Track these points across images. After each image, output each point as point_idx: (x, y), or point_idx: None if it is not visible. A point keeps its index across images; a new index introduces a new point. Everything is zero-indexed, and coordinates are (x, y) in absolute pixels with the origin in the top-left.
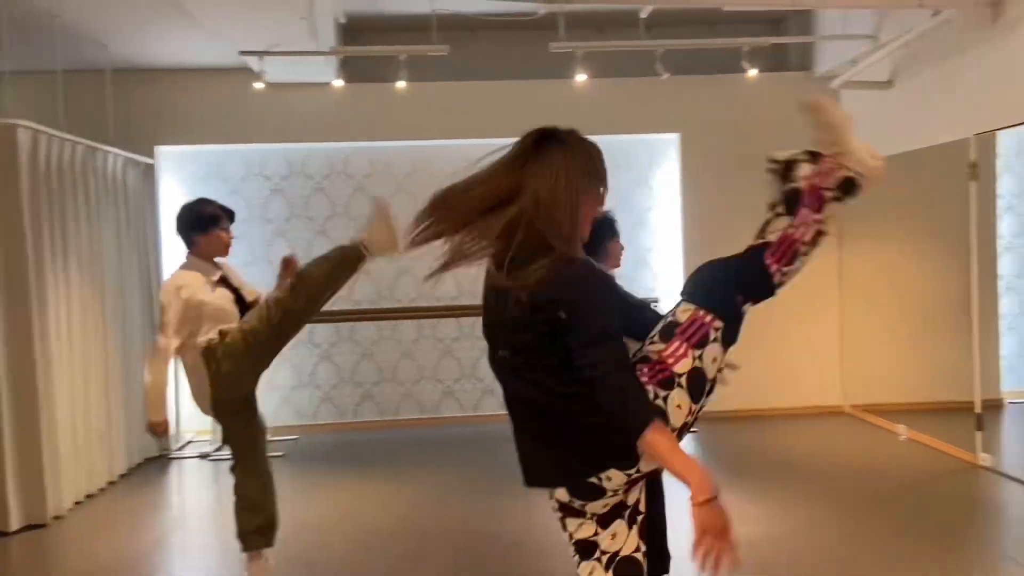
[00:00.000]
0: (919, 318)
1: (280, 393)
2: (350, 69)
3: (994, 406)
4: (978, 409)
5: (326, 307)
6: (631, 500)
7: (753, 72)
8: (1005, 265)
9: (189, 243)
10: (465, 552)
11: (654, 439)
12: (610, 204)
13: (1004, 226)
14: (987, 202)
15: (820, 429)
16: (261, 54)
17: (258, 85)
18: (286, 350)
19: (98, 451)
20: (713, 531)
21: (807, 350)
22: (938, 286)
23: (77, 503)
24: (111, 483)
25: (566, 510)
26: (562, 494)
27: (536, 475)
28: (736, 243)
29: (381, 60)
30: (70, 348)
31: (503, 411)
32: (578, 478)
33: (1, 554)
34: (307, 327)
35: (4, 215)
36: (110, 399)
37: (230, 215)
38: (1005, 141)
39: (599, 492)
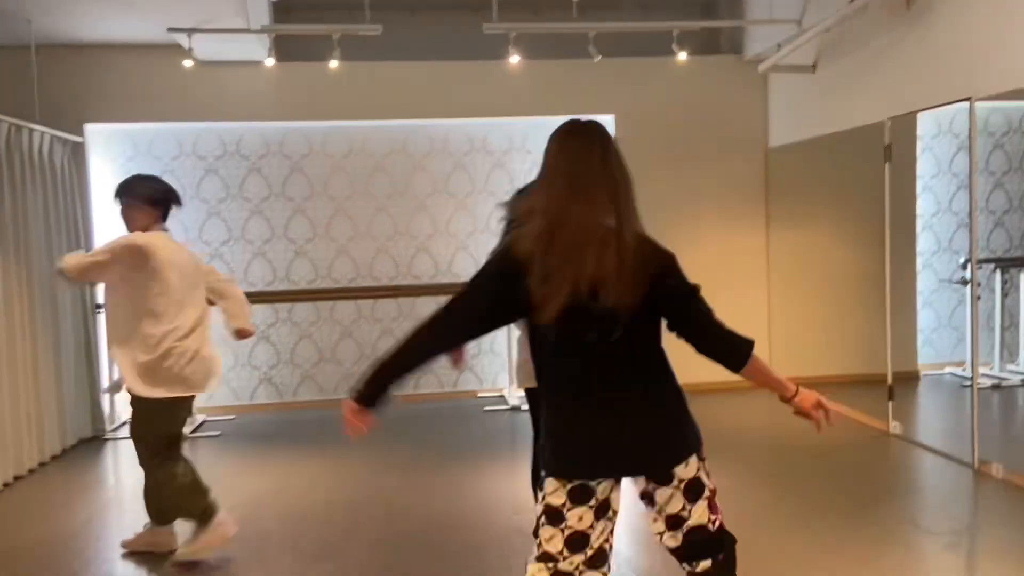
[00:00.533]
0: (840, 295)
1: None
2: (283, 48)
3: (911, 378)
4: (890, 381)
5: (265, 288)
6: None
7: (683, 56)
8: (923, 243)
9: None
10: (396, 527)
11: (757, 356)
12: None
13: (922, 205)
14: (906, 183)
15: (744, 403)
16: (190, 31)
17: (187, 63)
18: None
19: (26, 433)
20: (816, 400)
21: (736, 325)
22: (858, 264)
23: (6, 484)
24: (42, 464)
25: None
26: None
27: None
28: (666, 224)
29: (314, 39)
30: None
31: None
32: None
33: None
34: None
35: None
36: (39, 381)
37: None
38: (924, 123)
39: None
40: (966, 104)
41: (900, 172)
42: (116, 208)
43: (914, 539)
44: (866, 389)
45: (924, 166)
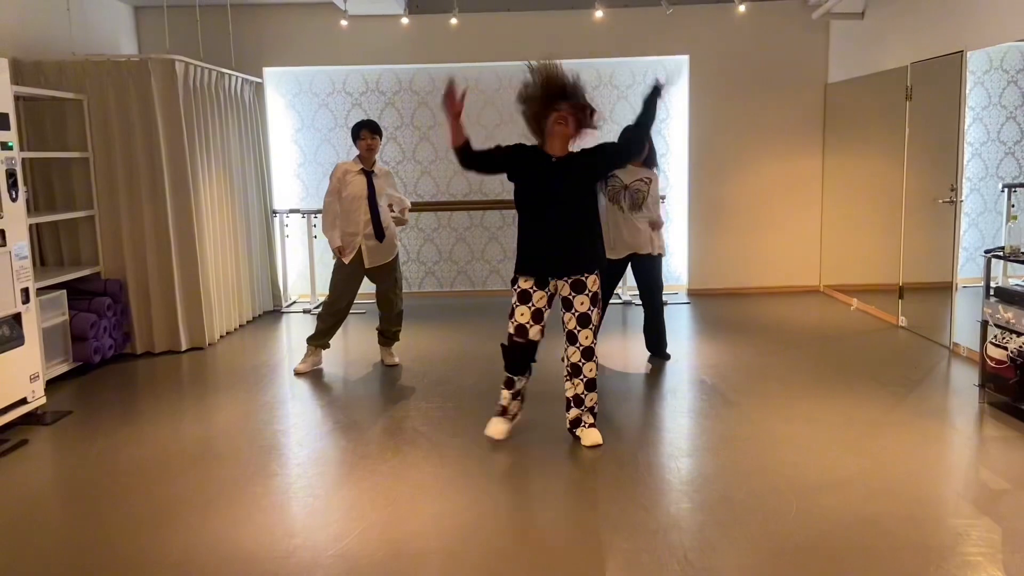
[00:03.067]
0: (873, 214)
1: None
2: (414, 3)
3: (948, 288)
4: (900, 283)
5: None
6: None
7: (743, 8)
8: (972, 169)
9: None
10: (486, 367)
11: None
12: (631, 117)
13: (972, 135)
14: (950, 116)
15: (794, 303)
16: None
17: (343, 23)
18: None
19: (234, 300)
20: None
21: (794, 240)
22: (886, 188)
23: (223, 336)
24: (242, 325)
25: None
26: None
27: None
28: (735, 151)
29: None
30: (212, 224)
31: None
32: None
33: (175, 365)
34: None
35: (168, 127)
36: (239, 263)
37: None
38: (977, 60)
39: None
40: (1014, 44)
41: (950, 103)
42: (376, 143)
43: (866, 386)
44: (889, 295)
45: (975, 98)
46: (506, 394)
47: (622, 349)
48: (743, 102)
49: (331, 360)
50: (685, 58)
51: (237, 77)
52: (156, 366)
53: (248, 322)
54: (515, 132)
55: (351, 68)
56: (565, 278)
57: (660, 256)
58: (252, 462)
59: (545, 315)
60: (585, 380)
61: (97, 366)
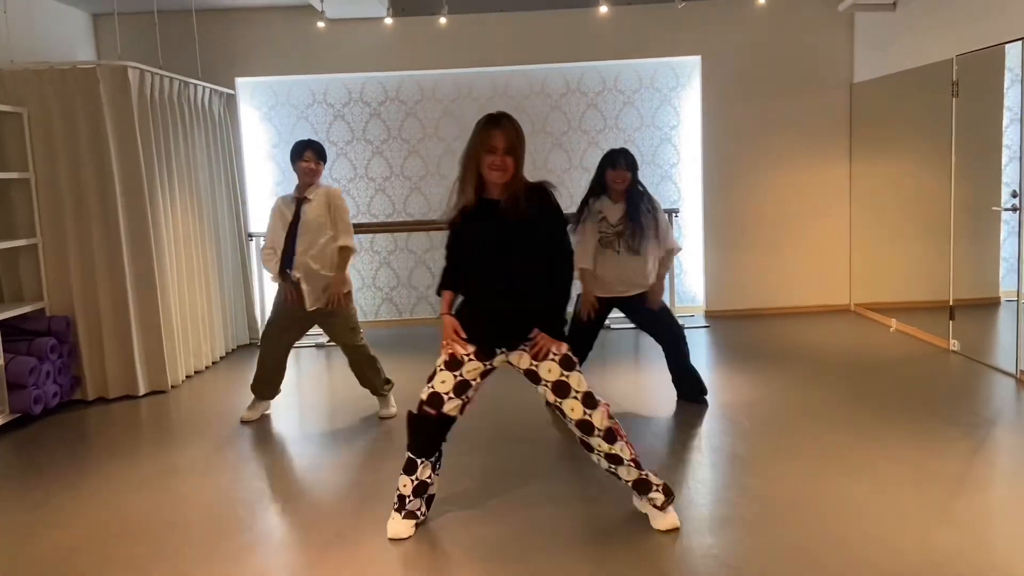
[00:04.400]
0: (914, 225)
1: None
2: (398, 5)
3: (991, 304)
4: (951, 302)
5: (386, 219)
6: None
7: (763, 0)
8: (1009, 174)
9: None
10: (495, 412)
11: None
12: (637, 124)
13: (1010, 137)
14: (993, 113)
15: (824, 324)
16: None
17: (320, 24)
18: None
19: (203, 336)
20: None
21: (820, 255)
22: (930, 196)
23: (188, 376)
24: (214, 362)
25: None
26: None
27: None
28: (752, 159)
29: None
30: (176, 251)
31: None
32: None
33: (131, 414)
34: (369, 237)
35: (121, 141)
36: (209, 293)
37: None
38: (1013, 55)
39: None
40: None
41: (987, 104)
42: (319, 167)
43: (933, 426)
44: (934, 313)
45: (1012, 97)
46: (406, 481)
47: (634, 383)
48: (760, 106)
49: (315, 397)
50: (696, 59)
51: (204, 88)
52: (109, 415)
53: (221, 358)
54: None
55: (332, 77)
56: (522, 344)
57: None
58: (206, 543)
59: (473, 390)
60: (605, 455)
61: (39, 417)
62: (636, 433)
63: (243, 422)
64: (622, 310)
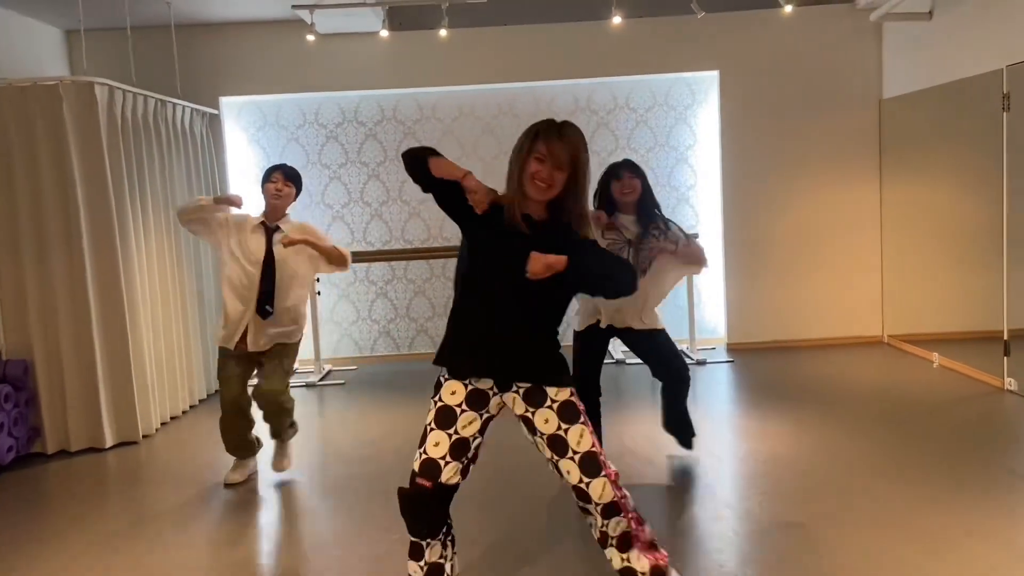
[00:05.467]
0: (957, 250)
1: (341, 327)
2: (395, 18)
3: None
4: (1005, 336)
5: (383, 247)
6: None
7: (789, 8)
8: None
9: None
10: (495, 464)
11: None
12: (651, 144)
13: None
14: None
15: (856, 358)
16: (312, 7)
17: (309, 37)
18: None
19: (179, 378)
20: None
21: (849, 282)
22: (977, 218)
23: (163, 424)
24: (192, 407)
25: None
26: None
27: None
28: (775, 180)
29: (425, 8)
30: (150, 286)
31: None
32: None
33: (98, 467)
34: (364, 266)
35: (87, 165)
36: (188, 330)
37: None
38: None
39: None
40: None
41: (1011, 122)
42: (288, 190)
43: (1008, 486)
44: (982, 345)
45: None
46: (415, 568)
47: (652, 427)
48: (782, 123)
49: (305, 445)
50: (714, 74)
51: (184, 107)
52: (71, 471)
53: (201, 401)
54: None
55: (324, 95)
56: (515, 386)
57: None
58: None
59: (472, 448)
60: (614, 542)
61: None
62: (652, 491)
63: (227, 486)
64: (622, 339)
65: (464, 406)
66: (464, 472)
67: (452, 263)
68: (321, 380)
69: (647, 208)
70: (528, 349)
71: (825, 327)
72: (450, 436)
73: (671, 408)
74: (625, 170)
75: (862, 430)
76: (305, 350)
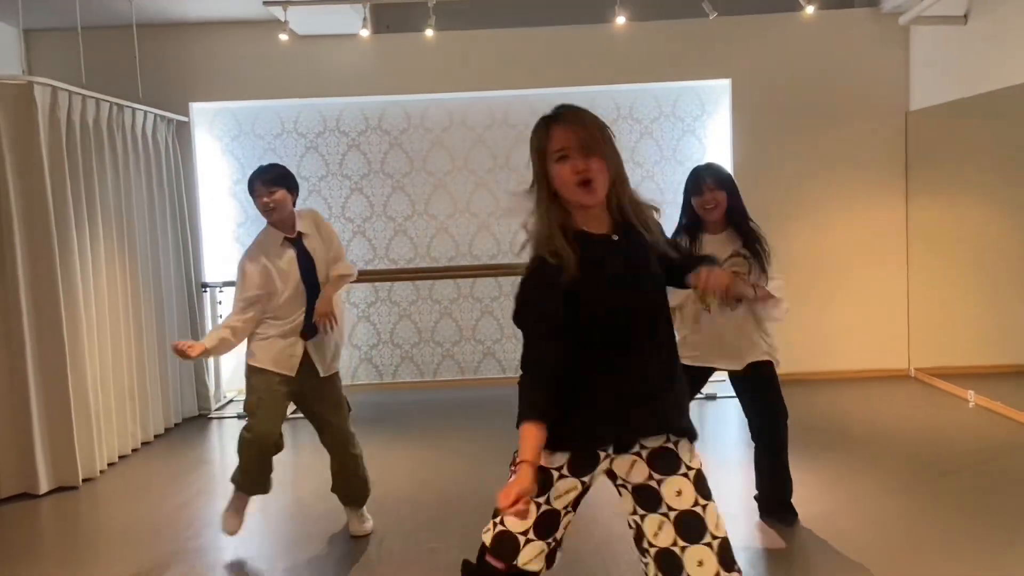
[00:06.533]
0: (994, 274)
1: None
2: (381, 20)
3: None
4: None
5: (365, 266)
6: None
7: (811, 9)
8: None
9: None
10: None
11: None
12: (656, 158)
13: None
14: None
15: (882, 394)
16: (285, 4)
17: (282, 37)
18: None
19: (130, 412)
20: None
21: (871, 310)
22: (1013, 241)
23: (110, 464)
24: (145, 443)
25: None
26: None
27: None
28: (791, 199)
29: (411, 8)
30: (99, 310)
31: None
32: None
33: (30, 516)
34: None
35: (24, 173)
36: (145, 359)
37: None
38: None
39: None
40: None
41: None
42: (268, 196)
43: None
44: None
45: None
46: None
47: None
48: (800, 137)
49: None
50: (726, 83)
51: (146, 113)
52: None
53: (157, 437)
54: (510, 177)
55: (304, 102)
56: (637, 446)
57: (773, 363)
58: None
59: (563, 527)
60: None
61: None
62: None
63: (229, 533)
64: (731, 380)
65: (565, 470)
66: (549, 560)
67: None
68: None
69: (739, 225)
70: (667, 395)
71: (846, 359)
72: (539, 507)
73: (771, 470)
74: (707, 179)
75: (897, 484)
76: None
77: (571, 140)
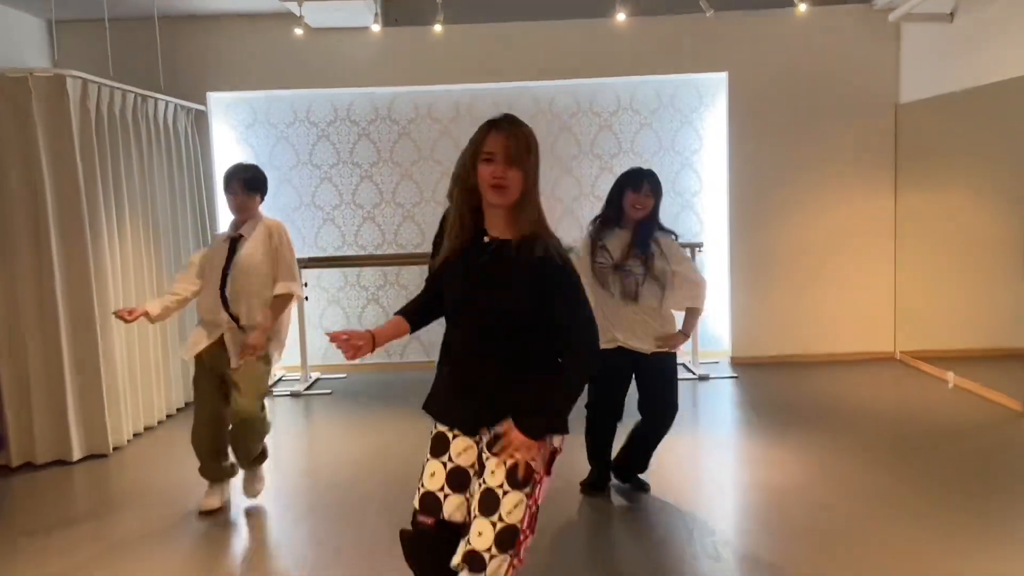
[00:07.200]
0: (978, 264)
1: None
2: (390, 13)
3: None
4: None
5: (374, 251)
6: None
7: (803, 7)
8: None
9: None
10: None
11: None
12: (655, 148)
13: None
14: None
15: (867, 376)
16: None
17: (298, 30)
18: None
19: (155, 387)
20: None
21: (861, 295)
22: (997, 231)
23: (136, 435)
24: (170, 416)
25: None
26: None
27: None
28: (785, 188)
29: (420, 3)
30: (125, 290)
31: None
32: None
33: (64, 482)
34: (355, 271)
35: (57, 162)
36: (167, 336)
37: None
38: None
39: None
40: None
41: None
42: (240, 196)
43: None
44: (1001, 364)
45: None
46: None
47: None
48: (794, 128)
49: (292, 463)
50: (723, 76)
51: (168, 103)
52: (35, 485)
53: (178, 410)
54: None
55: (316, 92)
56: (485, 428)
57: (673, 354)
58: None
59: (474, 479)
60: None
61: None
62: (642, 522)
63: (202, 513)
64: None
65: (457, 433)
66: (470, 510)
67: (423, 270)
68: (307, 389)
69: (646, 232)
70: (499, 395)
71: (835, 342)
72: (445, 465)
73: (641, 450)
74: (646, 184)
75: (876, 459)
76: (292, 357)
77: (500, 148)
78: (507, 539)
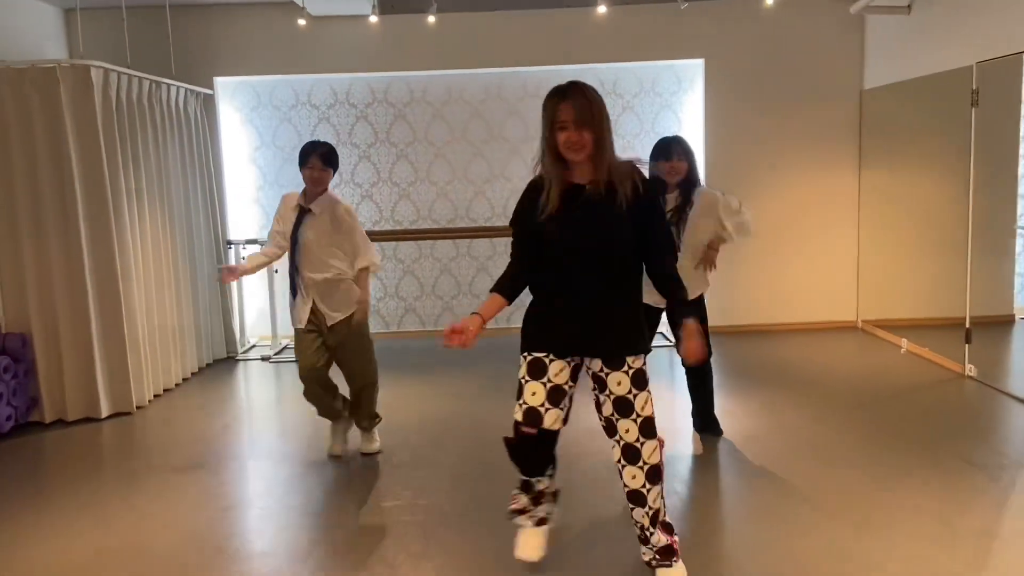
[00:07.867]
0: (930, 237)
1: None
2: (386, 2)
3: (1005, 322)
4: (967, 324)
5: (372, 227)
6: None
7: (771, 0)
8: None
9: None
10: (476, 440)
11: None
12: (636, 130)
13: None
14: (1009, 125)
15: (830, 343)
16: None
17: (301, 21)
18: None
19: (173, 351)
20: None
21: (826, 269)
22: (945, 207)
23: (156, 396)
24: (185, 379)
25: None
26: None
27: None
28: (757, 168)
29: None
30: (144, 262)
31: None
32: None
33: (94, 436)
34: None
35: (83, 145)
36: (181, 306)
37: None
38: None
39: None
40: None
41: (1004, 113)
42: (320, 172)
43: (955, 469)
44: (947, 332)
45: None
46: (522, 500)
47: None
48: (766, 111)
49: (296, 418)
50: (700, 62)
51: (179, 88)
52: (68, 440)
53: (193, 374)
54: (504, 148)
55: (317, 77)
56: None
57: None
58: None
59: (568, 395)
60: (649, 513)
61: None
62: (608, 465)
63: (331, 456)
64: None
65: (552, 357)
66: (564, 419)
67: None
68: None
69: (688, 188)
70: (609, 321)
71: (803, 312)
72: (545, 385)
73: (701, 400)
74: (675, 153)
75: (828, 415)
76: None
77: (570, 115)
78: (649, 428)
